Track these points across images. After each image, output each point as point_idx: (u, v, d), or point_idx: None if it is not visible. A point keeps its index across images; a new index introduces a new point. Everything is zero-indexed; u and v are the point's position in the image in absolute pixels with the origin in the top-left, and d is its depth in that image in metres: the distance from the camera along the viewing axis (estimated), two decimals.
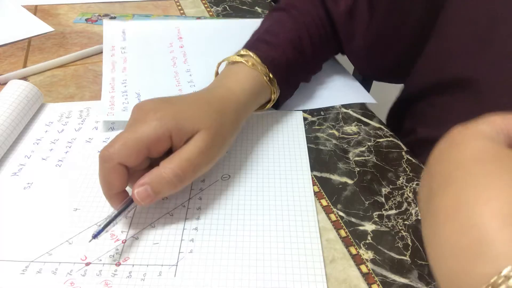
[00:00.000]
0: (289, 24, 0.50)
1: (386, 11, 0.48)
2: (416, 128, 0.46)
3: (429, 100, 0.48)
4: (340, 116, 0.50)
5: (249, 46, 0.47)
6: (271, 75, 0.45)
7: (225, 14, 0.70)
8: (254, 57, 0.44)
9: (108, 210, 0.38)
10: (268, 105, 0.47)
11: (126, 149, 0.33)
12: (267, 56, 0.45)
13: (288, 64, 0.47)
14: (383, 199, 0.40)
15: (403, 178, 0.42)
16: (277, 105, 0.50)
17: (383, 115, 0.58)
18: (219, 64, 0.47)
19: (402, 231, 0.37)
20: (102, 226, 0.33)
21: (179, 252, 0.35)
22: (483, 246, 0.22)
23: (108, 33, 0.63)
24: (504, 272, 0.20)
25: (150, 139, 0.34)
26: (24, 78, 0.53)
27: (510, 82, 0.39)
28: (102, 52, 0.59)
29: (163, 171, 0.34)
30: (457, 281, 0.23)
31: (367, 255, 0.35)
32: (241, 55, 0.45)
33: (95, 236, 0.33)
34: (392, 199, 0.40)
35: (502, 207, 0.23)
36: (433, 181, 0.27)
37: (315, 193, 0.40)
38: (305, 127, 0.48)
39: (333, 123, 0.49)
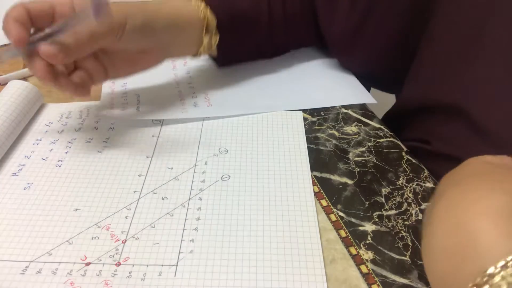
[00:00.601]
0: None
1: (366, 6, 0.48)
2: (430, 141, 0.46)
3: (424, 118, 0.49)
4: (340, 116, 0.50)
5: None
6: (209, 15, 0.46)
7: None
8: None
9: (108, 210, 0.38)
10: (202, 48, 0.48)
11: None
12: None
13: (237, 13, 0.48)
14: (383, 200, 0.40)
15: (403, 179, 0.42)
16: (222, 59, 0.51)
17: (383, 115, 0.58)
18: None
19: (402, 231, 0.37)
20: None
21: (179, 253, 0.35)
22: (470, 246, 0.23)
23: None
24: (489, 271, 0.21)
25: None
26: (24, 78, 0.53)
27: (495, 105, 0.39)
28: None
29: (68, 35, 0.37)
30: (447, 282, 0.23)
31: (367, 255, 0.35)
32: None
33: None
34: (392, 199, 0.40)
35: (489, 206, 0.23)
36: (433, 198, 0.28)
37: (315, 193, 0.40)
38: (305, 127, 0.48)
39: (333, 124, 0.49)
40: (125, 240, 0.36)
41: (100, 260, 0.34)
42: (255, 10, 0.50)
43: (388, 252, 0.36)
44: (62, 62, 0.38)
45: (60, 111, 0.49)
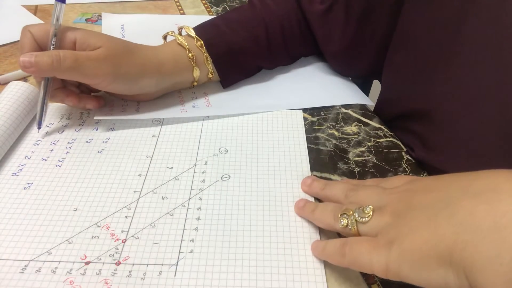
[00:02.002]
0: (246, 13, 0.52)
1: (360, 18, 0.49)
2: (413, 147, 0.47)
3: (402, 123, 0.49)
4: (340, 116, 0.50)
5: (198, 26, 0.51)
6: (203, 51, 0.48)
7: None
8: (192, 34, 0.49)
9: (108, 209, 0.38)
10: (195, 82, 0.50)
11: (39, 26, 0.43)
12: (208, 37, 0.49)
13: (233, 46, 0.50)
14: None
15: None
16: (224, 84, 0.53)
17: None
18: (165, 35, 0.51)
19: None
20: (38, 116, 0.44)
21: (179, 252, 0.35)
22: None
23: (107, 28, 0.63)
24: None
25: (58, 30, 0.42)
26: (24, 78, 0.53)
27: (463, 110, 0.40)
28: None
29: (53, 50, 0.41)
30: None
31: None
32: (183, 33, 0.50)
33: (39, 127, 0.44)
34: None
35: None
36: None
37: None
38: (305, 127, 0.48)
39: (333, 123, 0.49)
40: (125, 240, 0.36)
41: (100, 259, 0.34)
42: (253, 39, 0.51)
43: None
44: (34, 74, 0.42)
45: (61, 112, 0.49)
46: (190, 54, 0.47)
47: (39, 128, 0.45)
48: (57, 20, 0.42)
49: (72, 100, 0.45)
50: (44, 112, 0.44)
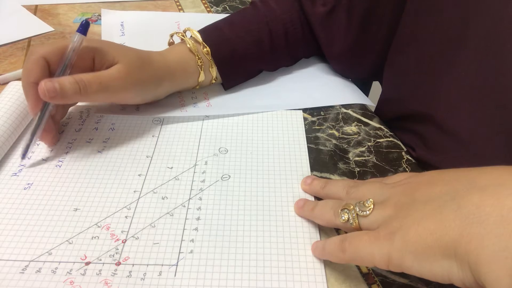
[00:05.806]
0: (250, 16, 0.52)
1: (362, 20, 0.49)
2: (414, 147, 0.47)
3: (403, 124, 0.50)
4: (340, 116, 0.50)
5: (202, 30, 0.51)
6: (209, 58, 0.49)
7: (225, 14, 0.70)
8: (199, 40, 0.48)
9: (108, 210, 0.38)
10: (198, 85, 0.50)
11: (52, 47, 0.40)
12: (213, 43, 0.49)
13: (237, 52, 0.50)
14: None
15: None
16: (226, 86, 0.53)
17: None
18: (171, 35, 0.51)
19: None
20: (24, 146, 0.41)
21: (179, 252, 0.35)
22: None
23: (106, 25, 0.63)
24: None
25: (75, 48, 0.41)
26: None
27: (464, 111, 0.40)
28: None
29: (73, 75, 0.40)
30: None
31: None
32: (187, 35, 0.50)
33: (23, 156, 0.41)
34: None
35: None
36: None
37: None
38: (305, 127, 0.48)
39: (333, 123, 0.49)
40: (125, 240, 0.36)
41: (100, 260, 0.34)
42: (257, 44, 0.51)
43: None
44: (55, 101, 0.40)
45: None
46: (199, 61, 0.48)
47: (23, 158, 0.41)
48: (73, 50, 0.40)
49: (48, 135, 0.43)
50: (33, 143, 0.41)
